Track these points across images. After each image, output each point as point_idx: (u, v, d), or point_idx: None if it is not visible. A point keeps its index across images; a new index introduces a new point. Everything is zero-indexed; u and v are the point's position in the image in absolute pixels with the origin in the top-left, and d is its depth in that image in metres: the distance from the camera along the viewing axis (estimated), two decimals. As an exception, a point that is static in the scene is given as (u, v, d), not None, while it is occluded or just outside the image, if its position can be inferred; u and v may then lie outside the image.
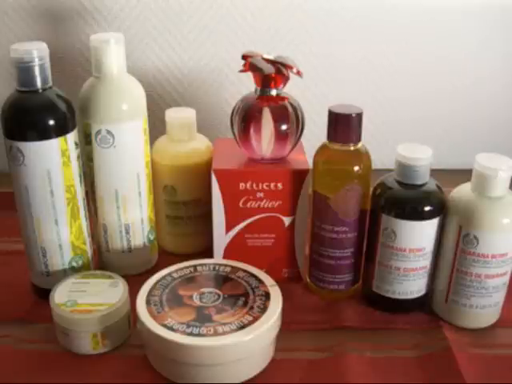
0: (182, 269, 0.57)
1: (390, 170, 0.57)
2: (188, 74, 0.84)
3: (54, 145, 0.54)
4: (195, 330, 0.48)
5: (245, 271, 0.56)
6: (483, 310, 0.56)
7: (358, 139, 0.56)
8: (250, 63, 0.57)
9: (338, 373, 0.51)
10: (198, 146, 0.66)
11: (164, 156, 0.65)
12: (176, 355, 0.48)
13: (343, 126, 0.55)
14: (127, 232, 0.63)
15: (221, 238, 0.62)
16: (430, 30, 0.83)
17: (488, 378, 0.51)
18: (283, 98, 0.59)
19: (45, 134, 0.53)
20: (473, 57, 0.85)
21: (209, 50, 0.83)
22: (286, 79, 0.58)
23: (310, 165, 0.59)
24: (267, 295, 0.53)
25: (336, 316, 0.58)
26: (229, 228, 0.61)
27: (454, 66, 0.85)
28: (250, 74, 0.59)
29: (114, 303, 0.53)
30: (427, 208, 0.54)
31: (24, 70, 0.52)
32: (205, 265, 0.58)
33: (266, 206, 0.60)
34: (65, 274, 0.59)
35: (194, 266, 0.57)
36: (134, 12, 0.81)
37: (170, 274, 0.56)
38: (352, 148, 0.55)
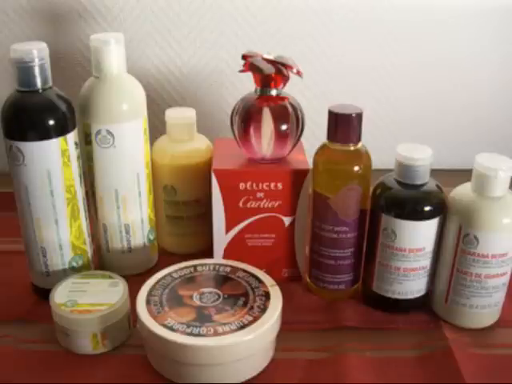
0: (182, 269, 0.57)
1: (390, 170, 0.57)
2: (188, 74, 0.84)
3: (54, 145, 0.54)
4: (195, 330, 0.48)
5: (245, 271, 0.56)
6: (483, 310, 0.56)
7: (358, 139, 0.56)
8: (250, 63, 0.57)
9: (338, 373, 0.51)
10: (197, 146, 0.66)
11: (164, 156, 0.65)
12: (176, 355, 0.48)
13: (343, 126, 0.55)
14: (127, 232, 0.63)
15: (221, 237, 0.62)
16: (430, 30, 0.83)
17: (488, 377, 0.51)
18: (283, 98, 0.59)
19: (45, 134, 0.53)
20: (473, 57, 0.85)
21: (209, 50, 0.83)
22: (286, 79, 0.58)
23: (310, 165, 0.59)
24: (267, 295, 0.53)
25: (336, 316, 0.58)
26: (229, 228, 0.61)
27: (454, 66, 0.85)
28: (250, 74, 0.59)
29: (113, 303, 0.53)
30: (427, 208, 0.54)
31: (24, 70, 0.52)
32: (205, 265, 0.58)
33: (265, 206, 0.60)
34: (65, 273, 0.59)
35: (194, 266, 0.57)
36: (134, 12, 0.81)
37: (170, 274, 0.56)
38: (352, 148, 0.55)
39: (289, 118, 0.58)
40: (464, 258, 0.54)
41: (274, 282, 0.55)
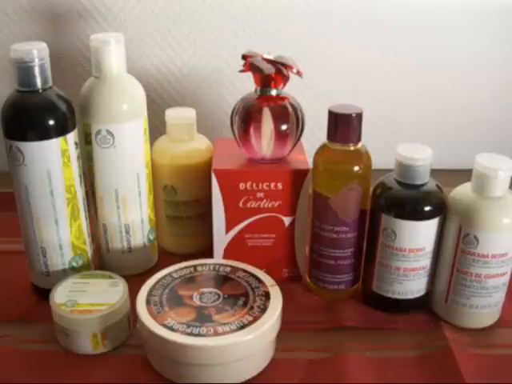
0: (182, 269, 0.57)
1: (390, 170, 0.57)
2: (188, 74, 0.84)
3: (54, 145, 0.54)
4: (195, 330, 0.48)
5: (245, 271, 0.56)
6: (483, 310, 0.56)
7: (358, 139, 0.56)
8: (250, 63, 0.57)
9: (338, 373, 0.51)
10: (197, 146, 0.66)
11: (164, 156, 0.65)
12: (176, 355, 0.48)
13: (343, 126, 0.55)
14: (127, 232, 0.63)
15: (221, 237, 0.62)
16: (431, 30, 0.83)
17: (488, 377, 0.51)
18: (283, 98, 0.59)
19: (45, 134, 0.53)
20: (473, 57, 0.85)
21: (209, 50, 0.83)
22: (286, 79, 0.58)
23: (310, 165, 0.59)
24: (267, 295, 0.53)
25: (336, 316, 0.58)
26: (229, 228, 0.61)
27: (455, 67, 0.85)
28: (250, 74, 0.59)
29: (113, 303, 0.53)
30: (427, 208, 0.54)
31: (24, 70, 0.52)
32: (205, 265, 0.58)
33: (265, 206, 0.60)
34: (65, 274, 0.59)
35: (194, 266, 0.57)
36: (134, 12, 0.81)
37: (170, 274, 0.56)
38: (352, 148, 0.55)
39: (289, 118, 0.58)
40: (464, 258, 0.54)
41: (274, 282, 0.55)
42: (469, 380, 0.50)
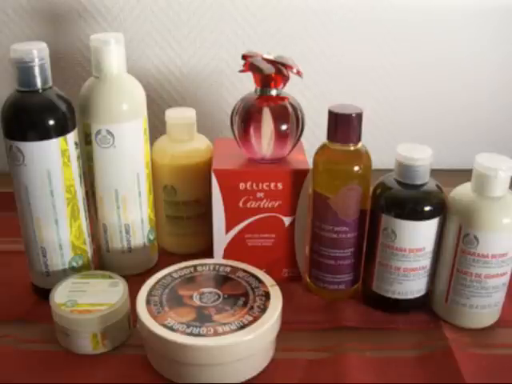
0: (182, 269, 0.57)
1: (390, 170, 0.57)
2: (188, 74, 0.84)
3: (54, 145, 0.54)
4: (195, 330, 0.48)
5: (245, 271, 0.56)
6: (483, 310, 0.56)
7: (358, 139, 0.56)
8: (250, 63, 0.57)
9: (338, 373, 0.51)
10: (197, 146, 0.66)
11: (164, 156, 0.65)
12: (176, 355, 0.48)
13: (343, 126, 0.55)
14: (127, 232, 0.63)
15: (221, 237, 0.62)
16: (430, 30, 0.83)
17: (488, 377, 0.51)
18: (283, 98, 0.59)
19: (45, 134, 0.53)
20: (472, 57, 0.85)
21: (209, 50, 0.83)
22: (286, 79, 0.58)
23: (310, 165, 0.59)
24: (267, 295, 0.53)
25: (336, 316, 0.58)
26: (229, 228, 0.61)
27: (454, 67, 0.85)
28: (250, 74, 0.59)
29: (113, 303, 0.53)
30: (427, 208, 0.54)
31: (24, 70, 0.52)
32: (205, 265, 0.58)
33: (265, 206, 0.60)
34: (65, 274, 0.59)
35: (194, 266, 0.57)
36: (134, 12, 0.81)
37: (170, 274, 0.56)
38: (352, 148, 0.55)
39: (289, 118, 0.58)
40: (464, 258, 0.54)
41: (274, 282, 0.55)
42: (469, 380, 0.50)
